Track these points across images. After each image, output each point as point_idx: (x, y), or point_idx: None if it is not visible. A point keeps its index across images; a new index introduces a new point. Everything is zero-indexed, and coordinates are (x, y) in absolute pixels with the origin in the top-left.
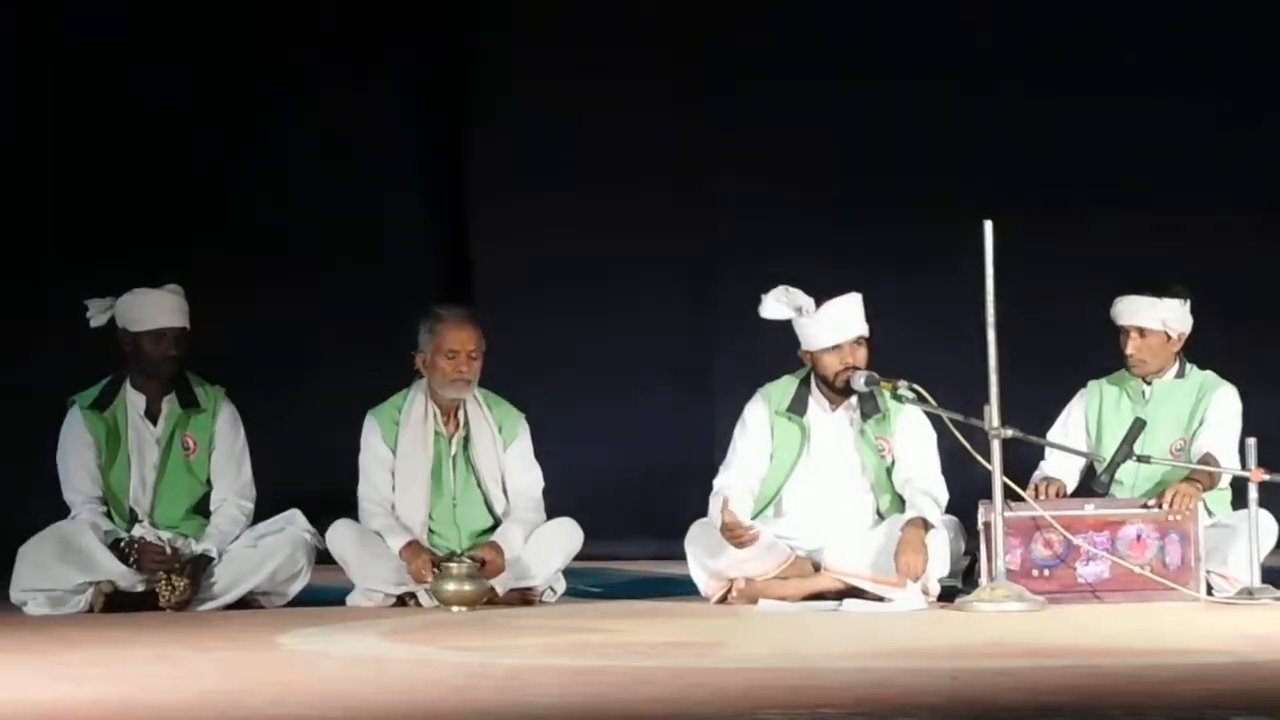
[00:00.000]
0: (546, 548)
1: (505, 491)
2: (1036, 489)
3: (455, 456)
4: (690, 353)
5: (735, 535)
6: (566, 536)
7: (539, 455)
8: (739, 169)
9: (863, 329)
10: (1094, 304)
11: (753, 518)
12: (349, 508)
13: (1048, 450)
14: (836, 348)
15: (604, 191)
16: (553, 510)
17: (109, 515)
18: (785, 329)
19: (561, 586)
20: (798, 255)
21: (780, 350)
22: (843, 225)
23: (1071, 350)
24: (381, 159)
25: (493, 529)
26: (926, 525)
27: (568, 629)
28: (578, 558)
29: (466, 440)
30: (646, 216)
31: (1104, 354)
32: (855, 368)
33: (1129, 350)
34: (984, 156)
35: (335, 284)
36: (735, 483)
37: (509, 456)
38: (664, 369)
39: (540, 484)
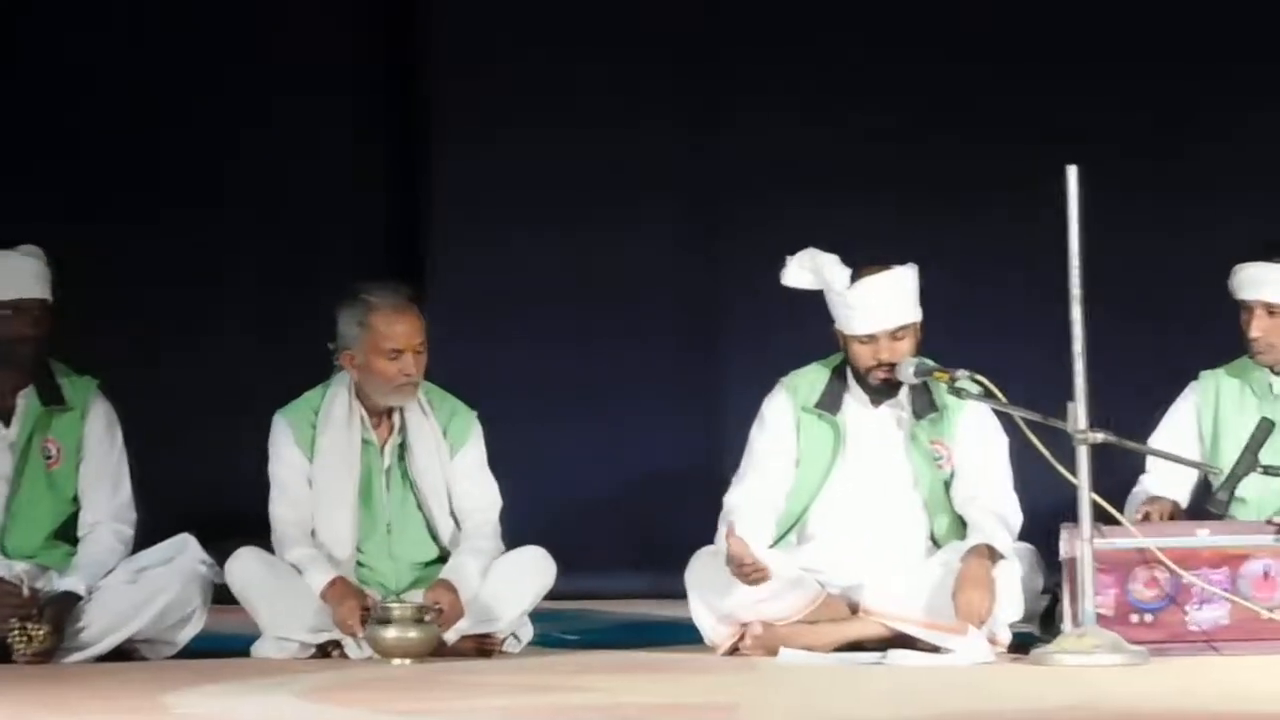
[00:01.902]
0: (509, 584)
1: (453, 514)
2: (1145, 513)
3: (389, 469)
4: (690, 338)
5: (743, 568)
6: (534, 570)
7: (499, 469)
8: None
9: (908, 316)
10: (1212, 274)
11: (773, 545)
12: (256, 533)
13: (1149, 461)
14: (870, 339)
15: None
16: (517, 537)
17: None
18: (817, 304)
19: (528, 633)
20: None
21: (806, 332)
22: (878, 164)
23: (1182, 333)
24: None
25: (438, 562)
26: (994, 555)
27: (537, 687)
28: (548, 596)
29: (403, 448)
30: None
31: (1224, 338)
32: (891, 364)
33: (1254, 332)
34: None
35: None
36: (749, 499)
37: (457, 466)
38: (656, 359)
39: (498, 503)
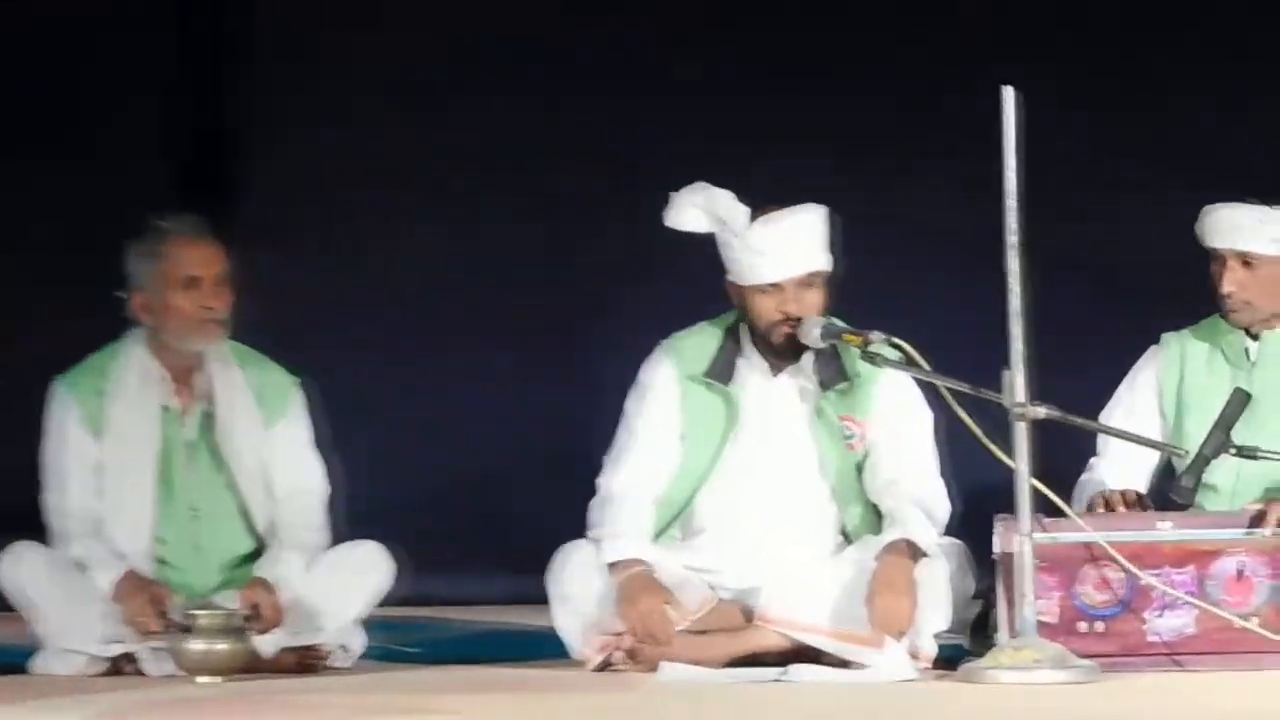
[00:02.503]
0: (336, 586)
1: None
2: (1103, 501)
3: (194, 443)
4: (557, 294)
5: (652, 627)
6: (368, 570)
7: (325, 447)
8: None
9: (818, 262)
10: (1177, 217)
11: (654, 539)
12: (34, 527)
13: (1102, 441)
14: (774, 289)
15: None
16: (346, 530)
17: None
18: (709, 251)
19: (359, 644)
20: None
21: (695, 286)
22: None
23: (1144, 290)
24: None
25: (255, 556)
26: (916, 553)
27: (370, 710)
28: (385, 601)
29: (210, 417)
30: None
31: (1193, 294)
32: (798, 318)
33: (1226, 287)
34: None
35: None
36: (628, 484)
37: (275, 442)
38: (517, 317)
39: (323, 487)
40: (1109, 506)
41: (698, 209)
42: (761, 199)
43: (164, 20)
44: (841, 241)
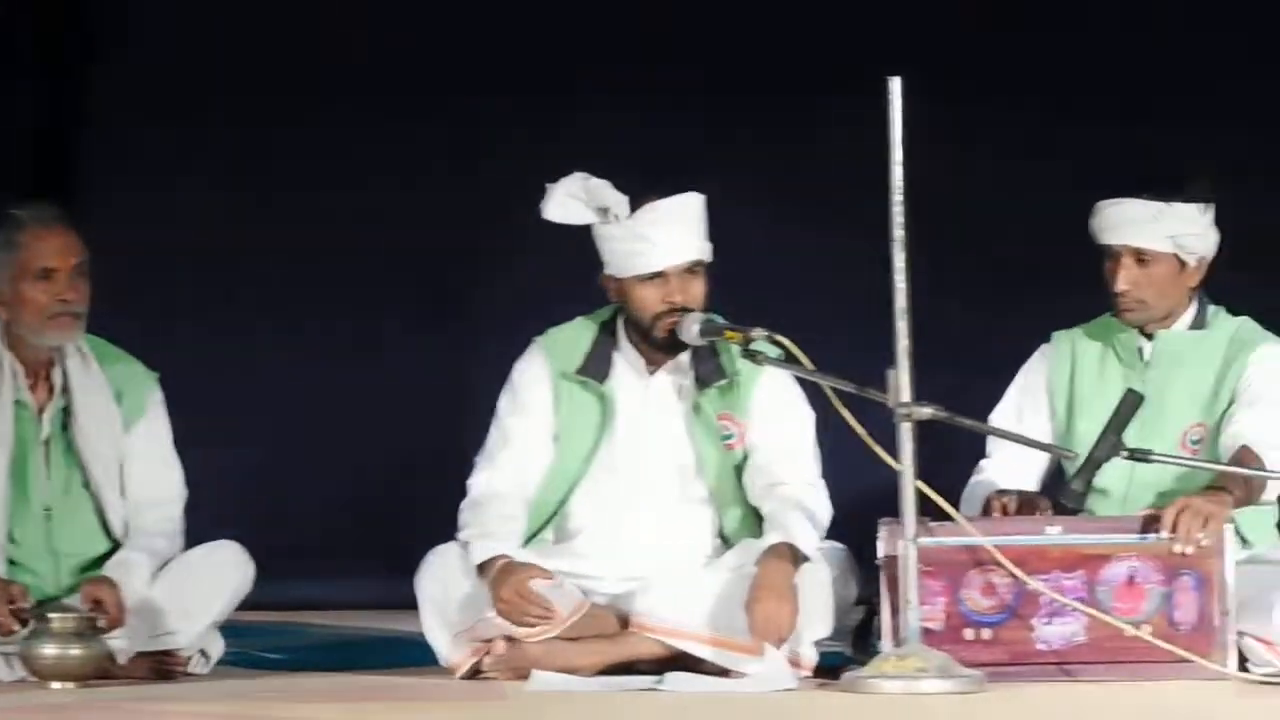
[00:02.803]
0: (195, 589)
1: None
2: (1000, 503)
3: (49, 440)
4: (421, 296)
5: (526, 606)
6: (227, 572)
7: (183, 444)
8: None
9: (702, 250)
10: (1069, 214)
11: (526, 543)
12: None
13: (992, 443)
14: (658, 278)
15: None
16: (206, 531)
17: None
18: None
19: (219, 649)
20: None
21: (570, 281)
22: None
23: (1039, 286)
24: None
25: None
26: (797, 558)
27: (230, 718)
28: (246, 605)
29: (67, 414)
30: None
31: (1087, 293)
32: (686, 309)
33: (1121, 284)
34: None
35: None
36: (498, 484)
37: (133, 441)
38: (380, 320)
39: (181, 495)
40: (1004, 509)
41: (577, 200)
42: (640, 191)
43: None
44: (723, 235)
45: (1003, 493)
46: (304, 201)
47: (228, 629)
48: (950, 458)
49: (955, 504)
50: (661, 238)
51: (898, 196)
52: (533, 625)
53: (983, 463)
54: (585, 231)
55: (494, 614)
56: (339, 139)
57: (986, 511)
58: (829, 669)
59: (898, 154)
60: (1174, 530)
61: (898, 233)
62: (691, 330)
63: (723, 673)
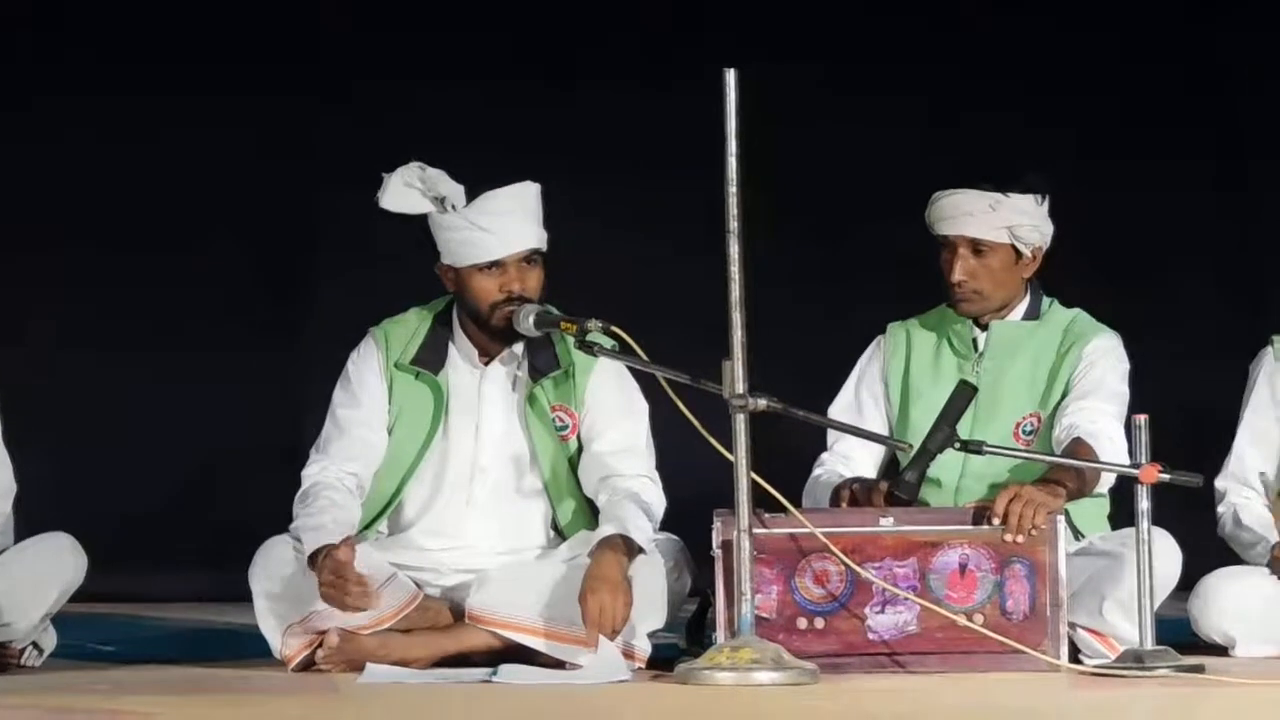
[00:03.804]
0: (26, 580)
1: None
2: (841, 494)
3: None
4: (257, 285)
5: (341, 587)
6: (59, 564)
7: (11, 436)
8: None
9: (540, 239)
10: (906, 204)
11: (360, 533)
12: None
13: (831, 435)
14: (496, 267)
15: None
16: (40, 522)
17: None
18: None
19: (51, 642)
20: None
21: (407, 269)
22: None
23: (872, 276)
24: None
25: None
26: (631, 549)
27: (62, 710)
28: (78, 596)
29: None
30: None
31: (923, 282)
32: (524, 299)
33: (956, 275)
34: None
35: None
36: (332, 475)
37: None
38: (215, 310)
39: (11, 486)
40: (854, 497)
41: (414, 189)
42: (475, 185)
43: None
44: (561, 226)
45: (854, 481)
46: (136, 191)
47: (60, 621)
48: (788, 450)
49: (794, 497)
50: (499, 227)
51: (732, 188)
52: (355, 605)
53: (823, 455)
54: (422, 221)
55: (326, 606)
56: (155, 124)
57: (835, 502)
58: (663, 661)
59: (733, 145)
60: (1005, 519)
61: (732, 224)
62: (527, 321)
63: (557, 664)
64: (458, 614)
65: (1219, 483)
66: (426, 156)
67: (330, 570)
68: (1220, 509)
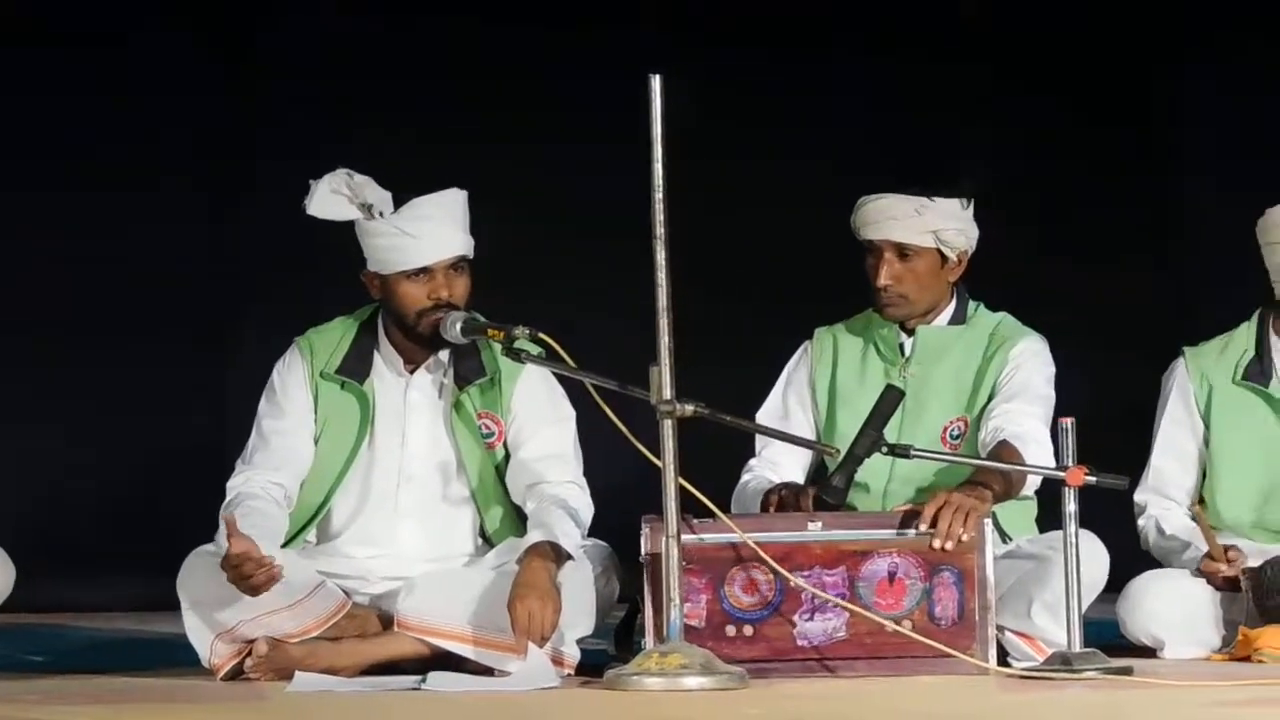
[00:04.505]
0: None
1: None
2: (769, 500)
3: None
4: (187, 293)
5: (242, 570)
6: None
7: None
8: None
9: (467, 245)
10: (831, 210)
11: (286, 544)
12: None
13: (760, 441)
14: (423, 273)
15: None
16: None
17: None
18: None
19: None
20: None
21: (340, 281)
22: None
23: (797, 282)
24: None
25: None
26: (560, 556)
27: None
28: (6, 608)
29: None
30: None
31: (849, 288)
32: (451, 306)
33: (882, 280)
34: None
35: None
36: (257, 485)
37: None
38: (147, 317)
39: None
40: (782, 504)
41: (340, 195)
42: (408, 189)
43: None
44: (490, 231)
45: (783, 486)
46: (59, 197)
47: None
48: (716, 455)
49: (723, 502)
50: (426, 233)
51: (659, 195)
52: (261, 582)
53: (751, 461)
54: (348, 228)
55: (254, 615)
56: (83, 138)
57: (765, 507)
58: (592, 667)
59: (658, 151)
60: (933, 525)
61: (659, 230)
62: (454, 328)
63: (486, 671)
64: (386, 622)
65: (1138, 496)
66: (360, 163)
67: (229, 565)
68: (1141, 522)
